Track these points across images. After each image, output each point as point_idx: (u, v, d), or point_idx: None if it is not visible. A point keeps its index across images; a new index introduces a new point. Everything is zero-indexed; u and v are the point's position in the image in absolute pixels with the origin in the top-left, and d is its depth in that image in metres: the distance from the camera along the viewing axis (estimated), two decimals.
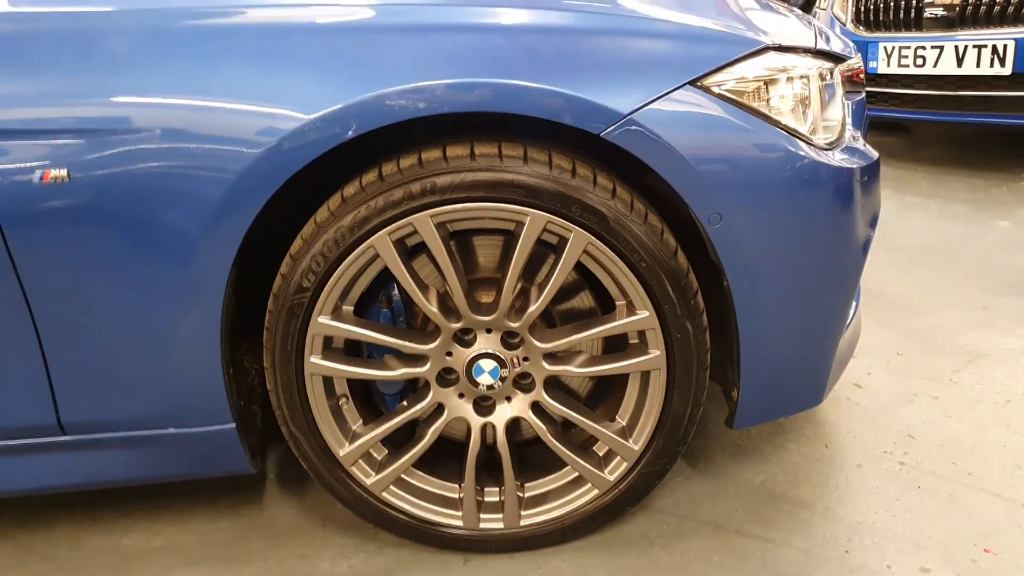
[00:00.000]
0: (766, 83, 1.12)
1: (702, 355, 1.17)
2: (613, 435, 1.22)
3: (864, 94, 1.57)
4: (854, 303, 1.41)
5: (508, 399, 1.23)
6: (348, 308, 1.17)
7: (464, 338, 1.19)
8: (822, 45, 1.29)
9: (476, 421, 1.23)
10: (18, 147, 1.03)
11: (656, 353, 1.17)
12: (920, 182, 3.08)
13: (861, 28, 3.24)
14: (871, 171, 1.23)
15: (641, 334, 1.17)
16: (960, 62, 2.87)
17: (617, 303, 1.16)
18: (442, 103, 1.02)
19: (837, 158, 1.17)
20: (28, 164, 1.02)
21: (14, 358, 1.12)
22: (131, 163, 1.03)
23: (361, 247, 1.10)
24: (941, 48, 2.91)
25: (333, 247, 1.10)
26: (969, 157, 3.30)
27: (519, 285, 1.15)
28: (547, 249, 1.17)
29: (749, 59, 1.12)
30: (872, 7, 3.19)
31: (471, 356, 1.18)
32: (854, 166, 1.18)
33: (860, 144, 1.30)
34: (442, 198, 1.08)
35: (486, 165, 1.07)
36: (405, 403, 1.24)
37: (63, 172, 1.03)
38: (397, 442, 1.26)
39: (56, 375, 1.14)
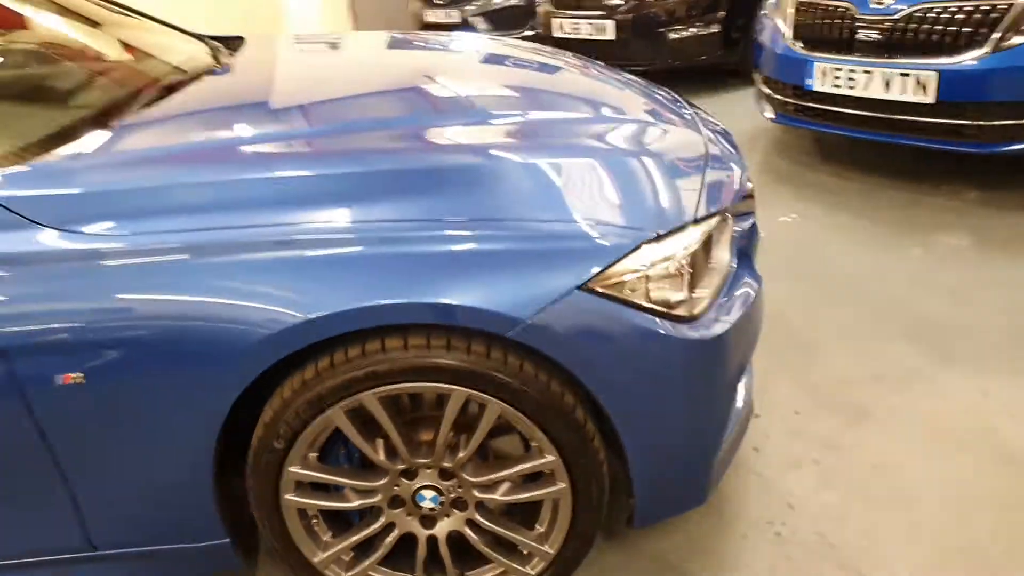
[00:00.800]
0: (639, 276, 1.37)
1: (601, 482, 1.46)
2: (532, 542, 1.52)
3: (754, 218, 1.79)
4: (739, 401, 1.69)
5: (447, 516, 1.52)
6: (313, 455, 1.45)
7: (408, 473, 1.47)
8: (703, 210, 1.52)
9: (422, 533, 1.53)
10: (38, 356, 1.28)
11: (562, 485, 1.46)
12: (851, 195, 3.32)
13: (799, 45, 3.41)
14: (736, 329, 1.49)
15: (551, 471, 1.46)
16: (887, 87, 3.07)
17: (532, 444, 1.44)
18: (394, 317, 1.28)
19: (698, 332, 1.41)
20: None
21: (51, 498, 1.41)
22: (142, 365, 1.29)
23: (319, 418, 1.38)
24: (871, 73, 3.11)
25: (296, 418, 1.37)
26: (900, 164, 3.52)
27: (451, 435, 1.43)
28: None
29: (627, 257, 1.36)
30: (809, 26, 3.35)
31: (414, 488, 1.47)
32: (714, 334, 1.43)
33: (744, 289, 1.56)
34: (382, 381, 1.34)
35: (417, 354, 1.33)
36: (363, 522, 1.53)
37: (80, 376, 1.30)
38: (363, 545, 1.56)
39: (85, 508, 1.43)
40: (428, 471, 1.47)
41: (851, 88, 3.20)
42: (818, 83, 3.32)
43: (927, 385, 2.14)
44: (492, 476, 1.47)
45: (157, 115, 1.72)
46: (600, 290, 1.34)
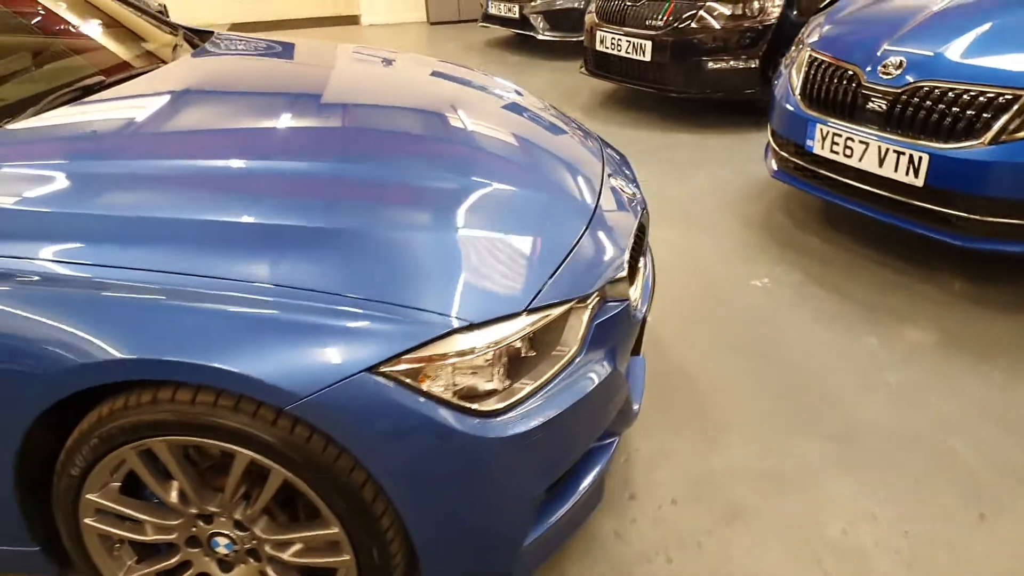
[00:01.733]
0: (440, 365, 1.34)
1: (386, 560, 1.45)
2: None
3: (622, 307, 1.72)
4: (584, 482, 1.66)
5: (243, 563, 1.54)
6: (115, 485, 1.48)
7: (205, 517, 1.49)
8: (546, 299, 1.48)
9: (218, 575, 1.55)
10: None
11: (347, 557, 1.45)
12: (836, 266, 3.17)
13: (805, 103, 3.26)
14: (553, 424, 1.45)
15: (335, 541, 1.45)
16: (881, 163, 2.92)
17: (323, 512, 1.44)
18: (185, 376, 1.30)
19: (496, 430, 1.38)
20: None
21: None
22: None
23: (113, 454, 1.40)
24: (867, 144, 2.95)
25: (91, 451, 1.40)
26: (901, 242, 3.35)
27: (243, 489, 1.44)
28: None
29: (430, 344, 1.34)
30: (816, 86, 3.21)
31: (209, 532, 1.49)
32: (515, 432, 1.39)
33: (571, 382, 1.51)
34: (168, 431, 1.36)
35: (203, 411, 1.34)
36: (164, 555, 1.56)
37: None
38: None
39: None
40: (222, 520, 1.48)
41: (848, 156, 3.05)
42: (818, 145, 3.17)
43: (817, 494, 2.04)
44: (281, 536, 1.47)
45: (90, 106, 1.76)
46: (392, 375, 1.31)
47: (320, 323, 1.32)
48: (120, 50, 2.33)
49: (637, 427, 2.28)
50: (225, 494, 1.43)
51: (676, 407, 2.37)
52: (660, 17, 4.86)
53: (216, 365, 1.28)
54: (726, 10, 4.72)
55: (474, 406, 1.38)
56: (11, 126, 1.71)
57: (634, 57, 4.99)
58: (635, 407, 1.90)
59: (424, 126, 2.06)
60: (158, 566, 1.56)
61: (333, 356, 1.30)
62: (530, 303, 1.47)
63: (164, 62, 2.29)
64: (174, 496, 1.46)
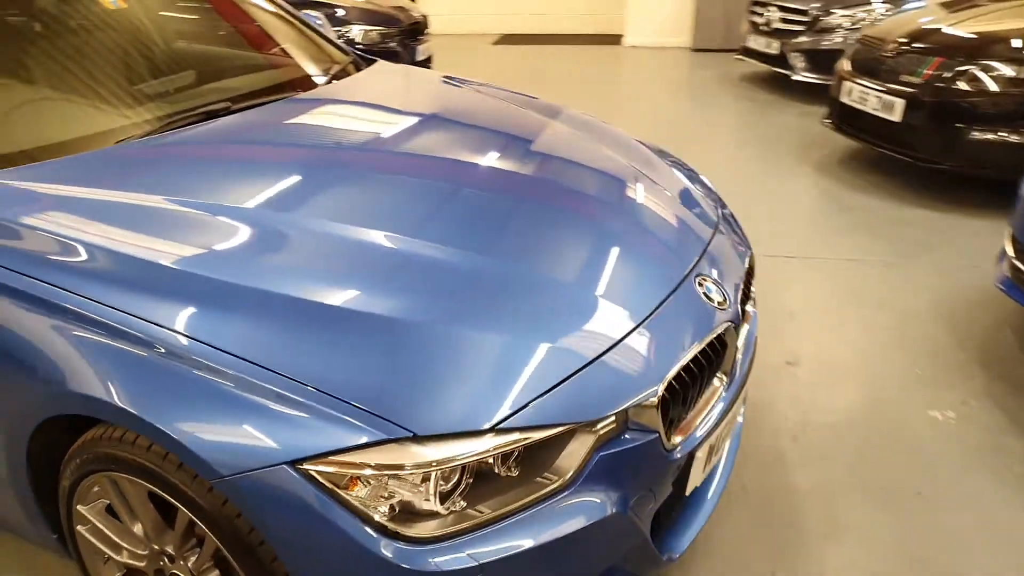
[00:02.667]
0: (369, 472, 1.21)
1: None
2: None
3: (646, 440, 1.45)
4: None
5: None
6: (103, 503, 1.54)
7: (171, 556, 1.50)
8: (516, 421, 1.29)
9: None
10: None
11: None
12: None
13: None
14: (488, 569, 1.26)
15: None
16: None
17: None
18: (132, 426, 1.32)
19: (418, 559, 1.22)
20: None
21: None
22: None
23: (91, 477, 1.46)
24: None
25: (76, 469, 1.47)
26: None
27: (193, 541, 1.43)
28: None
29: (360, 450, 1.22)
30: None
31: (171, 570, 1.50)
32: (445, 567, 1.23)
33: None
34: (122, 468, 1.38)
35: (156, 461, 1.34)
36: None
37: None
38: None
39: None
40: (180, 562, 1.48)
41: None
42: None
43: None
44: None
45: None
46: (313, 474, 1.22)
47: (263, 405, 1.25)
48: (267, 70, 2.44)
49: (711, 561, 1.96)
50: (174, 542, 1.43)
51: (769, 545, 2.01)
52: (921, 72, 4.22)
53: (155, 424, 1.27)
54: (1010, 71, 3.97)
55: (402, 529, 1.24)
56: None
57: (882, 115, 4.39)
58: (669, 555, 1.63)
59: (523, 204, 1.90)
60: None
61: (263, 441, 1.23)
62: (500, 422, 1.28)
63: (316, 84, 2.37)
64: (138, 530, 1.49)
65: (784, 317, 3.08)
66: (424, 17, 6.35)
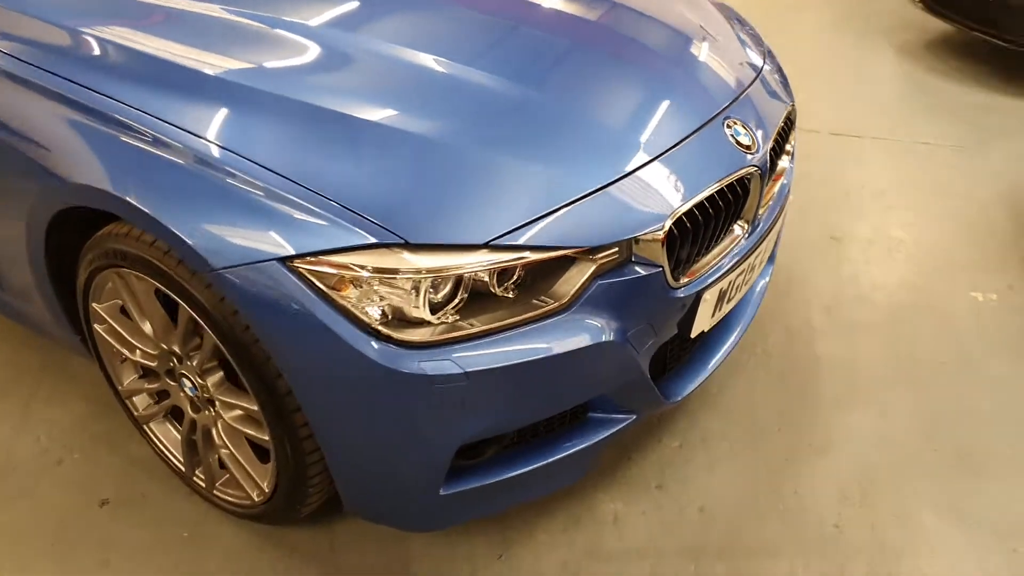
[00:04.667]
0: (359, 274, 1.22)
1: (298, 448, 1.41)
2: (253, 473, 1.55)
3: (649, 274, 1.41)
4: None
5: (205, 410, 1.59)
6: (116, 302, 1.60)
7: (180, 358, 1.56)
8: (513, 238, 1.28)
9: (188, 413, 1.63)
10: None
11: (266, 437, 1.44)
12: None
13: None
14: (473, 377, 1.27)
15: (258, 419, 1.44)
16: None
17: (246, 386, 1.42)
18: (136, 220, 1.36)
19: (420, 361, 1.24)
20: None
21: None
22: None
23: (103, 273, 1.51)
24: None
25: (91, 263, 1.52)
26: None
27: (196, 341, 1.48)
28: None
29: (353, 252, 1.22)
30: None
31: (180, 371, 1.57)
32: (428, 371, 1.24)
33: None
34: (127, 263, 1.43)
35: (159, 256, 1.37)
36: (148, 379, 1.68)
37: None
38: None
39: None
40: (190, 364, 1.54)
41: None
42: None
43: (910, 564, 1.61)
44: (224, 398, 1.50)
45: None
46: (303, 272, 1.23)
47: (264, 204, 1.26)
48: None
49: (718, 413, 1.97)
50: (178, 340, 1.48)
51: (780, 405, 1.99)
52: None
53: (148, 212, 1.29)
54: None
55: (391, 332, 1.25)
56: None
57: None
58: (670, 399, 1.63)
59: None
60: (148, 386, 1.68)
61: (256, 238, 1.25)
62: (496, 238, 1.26)
63: None
64: (147, 328, 1.54)
65: (839, 194, 2.94)
66: None
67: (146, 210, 1.29)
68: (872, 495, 1.77)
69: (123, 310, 1.60)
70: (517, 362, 1.30)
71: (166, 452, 1.75)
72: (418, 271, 1.23)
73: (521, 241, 1.28)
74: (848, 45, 4.55)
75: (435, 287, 1.26)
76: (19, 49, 1.50)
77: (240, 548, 1.65)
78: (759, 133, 1.68)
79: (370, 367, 1.24)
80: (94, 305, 1.60)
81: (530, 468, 1.48)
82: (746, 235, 1.64)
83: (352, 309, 1.24)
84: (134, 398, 1.75)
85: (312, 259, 1.23)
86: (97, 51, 1.50)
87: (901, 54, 4.46)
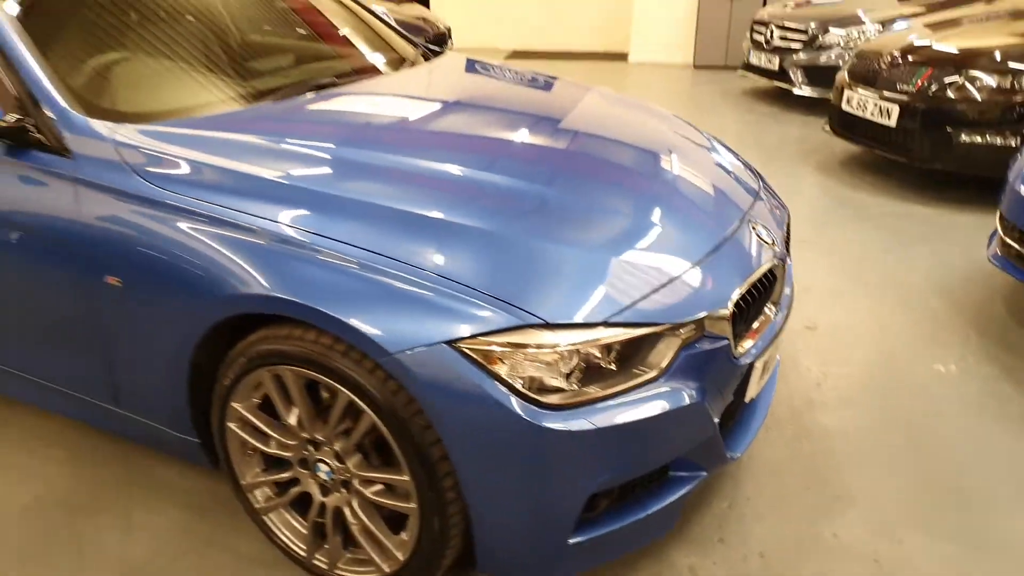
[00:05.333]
0: (511, 352, 1.50)
1: (444, 515, 1.63)
2: (389, 543, 1.75)
3: (720, 345, 1.75)
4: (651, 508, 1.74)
5: (338, 492, 1.80)
6: (255, 401, 1.81)
7: (315, 444, 1.77)
8: (630, 317, 1.59)
9: (318, 497, 1.82)
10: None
11: (412, 505, 1.66)
12: None
13: None
14: (607, 432, 1.55)
15: (406, 489, 1.66)
16: None
17: (399, 459, 1.65)
18: (309, 317, 1.60)
19: (559, 421, 1.51)
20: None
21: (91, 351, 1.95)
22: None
23: (253, 373, 1.73)
24: None
25: (239, 367, 1.74)
26: None
27: (344, 426, 1.70)
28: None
29: (506, 332, 1.51)
30: None
31: (316, 457, 1.77)
32: (567, 428, 1.51)
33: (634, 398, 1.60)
34: (289, 361, 1.66)
35: (322, 350, 1.62)
36: (280, 469, 1.87)
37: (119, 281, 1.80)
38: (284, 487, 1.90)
39: (116, 372, 1.95)
40: (327, 449, 1.75)
41: None
42: None
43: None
44: (367, 474, 1.71)
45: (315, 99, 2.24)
46: (466, 351, 1.50)
47: (422, 297, 1.54)
48: (363, 55, 2.76)
49: (754, 476, 2.26)
50: (329, 424, 1.70)
51: (803, 467, 2.31)
52: (914, 81, 4.60)
53: (330, 312, 1.55)
54: (992, 81, 4.36)
55: (537, 396, 1.52)
56: (232, 112, 2.14)
57: (879, 121, 4.77)
58: (732, 453, 1.92)
59: (571, 149, 2.23)
60: (275, 476, 1.87)
61: (424, 325, 1.52)
62: (609, 317, 1.58)
63: (399, 69, 2.68)
64: (293, 419, 1.76)
65: (801, 290, 3.40)
66: (448, 29, 6.70)
67: (329, 311, 1.55)
68: (899, 533, 2.08)
69: (260, 407, 1.81)
70: (631, 420, 1.59)
71: (285, 540, 1.91)
72: (556, 346, 1.53)
73: (626, 320, 1.60)
74: (771, 166, 5.22)
75: (566, 360, 1.55)
76: (199, 192, 1.77)
77: None
78: (776, 232, 2.09)
79: (520, 426, 1.51)
80: (234, 404, 1.81)
81: (633, 520, 1.73)
82: (775, 315, 2.01)
83: (505, 379, 1.51)
84: (255, 491, 1.92)
85: (471, 340, 1.51)
86: (274, 188, 1.77)
87: (820, 172, 5.14)
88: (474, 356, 1.51)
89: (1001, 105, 4.35)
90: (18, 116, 1.91)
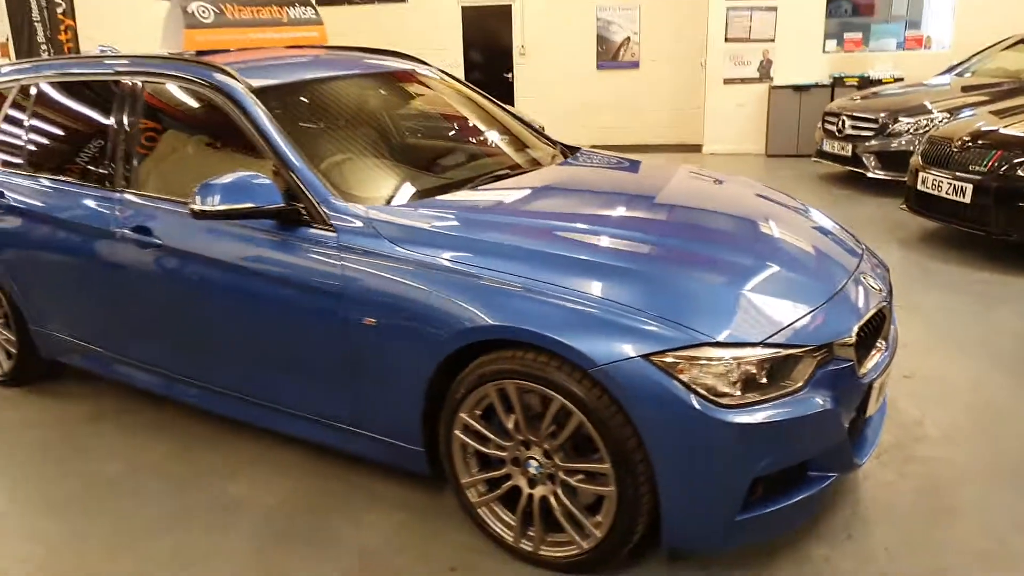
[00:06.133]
0: (693, 362, 2.01)
1: (638, 496, 2.11)
2: (589, 523, 2.22)
3: (847, 366, 2.22)
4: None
5: (543, 484, 2.29)
6: (478, 412, 2.33)
7: (527, 445, 2.28)
8: (780, 339, 2.09)
9: (525, 489, 2.32)
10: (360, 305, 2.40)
11: (611, 488, 2.14)
12: None
13: None
14: (764, 427, 2.01)
15: (606, 475, 2.15)
16: None
17: (601, 451, 2.14)
18: (532, 340, 2.14)
19: (733, 415, 1.99)
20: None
21: (341, 381, 2.52)
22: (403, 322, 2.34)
23: (481, 388, 2.27)
24: None
25: (470, 383, 2.28)
26: None
27: (552, 428, 2.22)
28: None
29: (686, 348, 2.02)
30: None
31: (527, 455, 2.28)
32: (744, 421, 1.99)
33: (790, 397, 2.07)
34: (513, 377, 2.19)
35: (540, 367, 2.14)
36: (493, 468, 2.37)
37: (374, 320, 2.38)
38: (493, 484, 2.40)
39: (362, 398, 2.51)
40: (537, 448, 2.26)
41: None
42: None
43: None
44: (571, 465, 2.21)
45: (492, 190, 2.83)
46: (657, 362, 2.02)
47: (620, 322, 2.07)
48: (517, 155, 3.39)
49: (871, 489, 2.66)
50: (543, 426, 2.21)
51: (914, 485, 2.69)
52: (985, 163, 5.05)
53: (551, 335, 2.09)
54: None
55: (715, 398, 2.01)
56: (445, 196, 2.77)
57: (955, 198, 5.21)
58: (859, 458, 2.35)
59: (717, 217, 2.78)
60: (488, 474, 2.38)
61: (624, 342, 2.04)
62: (765, 339, 2.08)
63: (542, 165, 3.31)
64: (511, 424, 2.28)
65: (899, 346, 3.81)
66: (542, 127, 7.42)
67: (550, 335, 2.08)
68: (1005, 535, 2.45)
69: (481, 415, 2.34)
70: (783, 419, 2.05)
71: (496, 529, 2.40)
72: (722, 359, 2.02)
73: (776, 342, 2.09)
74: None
75: (732, 372, 2.04)
76: (434, 250, 2.37)
77: None
78: (881, 283, 2.57)
79: (702, 420, 1.99)
80: (461, 414, 2.34)
81: (783, 505, 2.17)
82: (885, 348, 2.47)
83: (688, 383, 2.01)
84: (471, 489, 2.42)
85: (660, 354, 2.02)
86: (490, 246, 2.35)
87: (904, 247, 5.56)
88: (663, 366, 2.01)
89: None
90: (291, 202, 2.55)
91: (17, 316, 3.50)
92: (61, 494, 2.84)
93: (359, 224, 2.49)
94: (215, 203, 2.47)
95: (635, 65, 11.46)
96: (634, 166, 3.50)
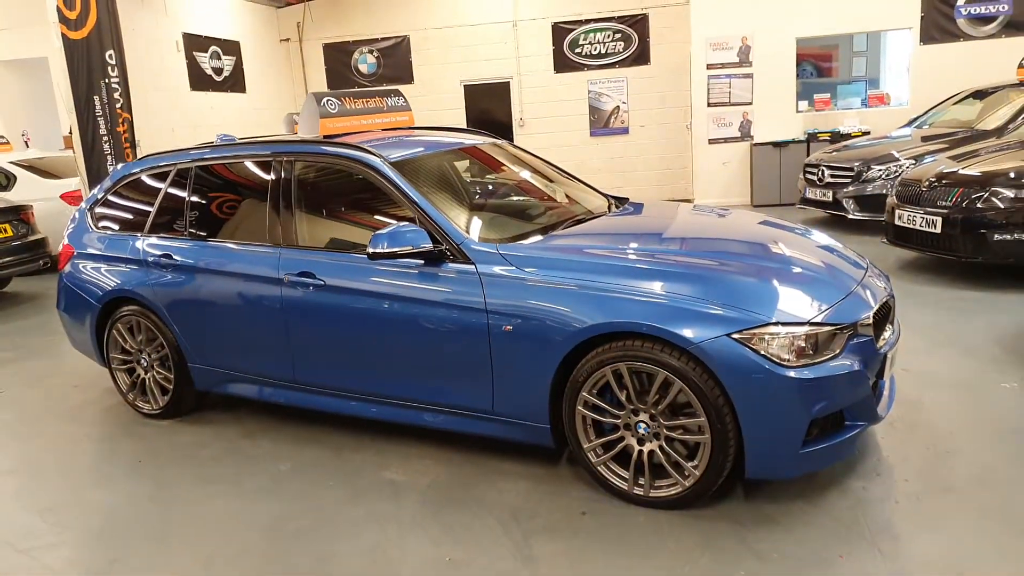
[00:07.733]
0: (762, 338, 2.82)
1: (727, 440, 2.89)
2: (691, 466, 2.99)
3: (868, 339, 3.04)
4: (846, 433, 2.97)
5: (650, 441, 3.06)
6: (595, 391, 3.12)
7: (636, 412, 3.06)
8: (821, 319, 2.91)
9: (634, 447, 3.09)
10: (498, 317, 3.21)
11: (707, 436, 2.92)
12: None
13: None
14: (816, 381, 2.82)
15: (701, 427, 2.93)
16: None
17: (697, 409, 2.93)
18: (639, 330, 2.95)
19: (794, 373, 2.80)
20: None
21: (482, 378, 3.29)
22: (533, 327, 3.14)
23: (599, 371, 3.06)
24: None
25: (591, 369, 3.07)
26: None
27: (656, 396, 3.00)
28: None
29: (757, 327, 2.83)
30: None
31: (637, 419, 3.06)
32: (802, 376, 2.80)
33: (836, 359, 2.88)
34: (628, 359, 2.99)
35: (646, 350, 2.95)
36: (608, 433, 3.15)
37: (511, 327, 3.18)
38: (607, 446, 3.16)
39: (496, 386, 3.28)
40: (644, 413, 3.04)
41: None
42: None
43: None
44: (674, 422, 2.99)
45: (575, 230, 3.66)
46: (737, 339, 2.83)
47: (705, 312, 2.89)
48: (584, 205, 4.26)
49: (886, 440, 3.45)
50: (649, 396, 3.00)
51: (918, 437, 3.49)
52: (950, 199, 6.01)
53: (655, 325, 2.90)
54: (1011, 193, 5.75)
55: (781, 362, 2.82)
56: (546, 235, 3.61)
57: (927, 230, 6.14)
58: (881, 412, 3.16)
59: (745, 238, 3.63)
60: (604, 439, 3.15)
61: (711, 327, 2.86)
62: (810, 319, 2.90)
63: (603, 213, 4.17)
64: (623, 396, 3.06)
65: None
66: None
67: (657, 324, 2.90)
68: (996, 473, 3.25)
69: (597, 392, 3.12)
70: (828, 375, 2.86)
71: (613, 481, 3.15)
72: (780, 334, 2.84)
73: (819, 321, 2.92)
74: None
75: (789, 344, 2.86)
76: (553, 272, 3.19)
77: (663, 521, 3.01)
78: (884, 282, 3.43)
79: (773, 377, 2.79)
80: (583, 393, 3.12)
81: (831, 443, 2.96)
82: (892, 332, 3.31)
83: (760, 351, 2.82)
84: (591, 452, 3.19)
85: (738, 332, 2.83)
86: (591, 265, 3.17)
87: (889, 275, 6.46)
88: (741, 340, 2.83)
89: (1022, 210, 5.70)
90: (435, 245, 3.38)
91: (177, 356, 4.23)
92: (253, 485, 3.55)
93: (492, 257, 3.31)
94: (385, 247, 3.29)
95: (625, 131, 12.58)
96: (672, 209, 4.37)
